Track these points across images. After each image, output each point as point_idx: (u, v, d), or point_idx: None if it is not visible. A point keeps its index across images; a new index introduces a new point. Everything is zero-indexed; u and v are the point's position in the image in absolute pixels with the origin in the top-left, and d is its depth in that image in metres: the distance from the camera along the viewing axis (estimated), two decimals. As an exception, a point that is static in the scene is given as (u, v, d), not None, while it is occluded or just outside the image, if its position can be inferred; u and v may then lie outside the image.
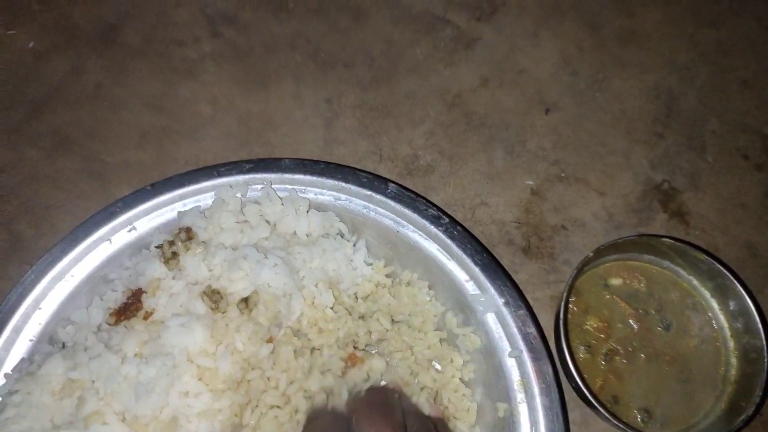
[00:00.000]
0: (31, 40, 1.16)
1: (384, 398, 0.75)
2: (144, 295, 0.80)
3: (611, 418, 0.80)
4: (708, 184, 1.11)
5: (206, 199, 0.92)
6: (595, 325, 0.91)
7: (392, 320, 0.90)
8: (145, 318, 0.78)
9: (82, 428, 0.69)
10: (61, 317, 0.84)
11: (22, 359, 0.80)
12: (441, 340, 0.90)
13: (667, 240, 0.91)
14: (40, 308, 0.83)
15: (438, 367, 0.89)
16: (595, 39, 1.22)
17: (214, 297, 0.78)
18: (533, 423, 0.80)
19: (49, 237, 0.97)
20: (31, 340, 0.82)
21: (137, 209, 0.90)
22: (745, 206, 1.10)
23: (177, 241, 0.82)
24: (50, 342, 0.83)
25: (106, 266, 0.88)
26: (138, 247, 0.89)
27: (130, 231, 0.89)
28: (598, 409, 0.82)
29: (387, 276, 0.93)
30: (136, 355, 0.73)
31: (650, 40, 1.22)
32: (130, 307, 0.78)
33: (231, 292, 0.80)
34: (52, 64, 1.13)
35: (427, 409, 0.82)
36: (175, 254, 0.81)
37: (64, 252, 0.86)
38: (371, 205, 0.92)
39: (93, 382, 0.72)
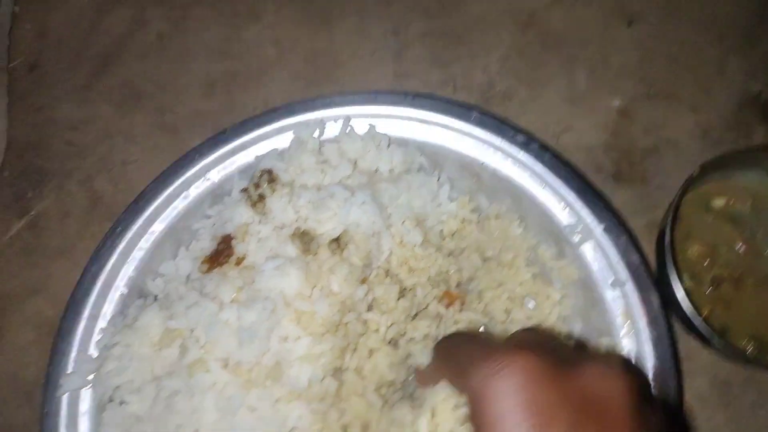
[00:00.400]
0: (89, -7, 1.13)
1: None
2: (233, 241, 0.78)
3: (723, 349, 0.76)
4: (811, 91, 1.02)
5: (282, 141, 0.88)
6: (698, 252, 0.85)
7: (482, 257, 0.86)
8: (238, 264, 0.77)
9: (186, 377, 0.69)
10: (148, 270, 0.84)
11: (116, 313, 0.80)
12: (534, 276, 0.86)
13: (777, 153, 0.83)
14: (128, 262, 0.83)
15: (531, 305, 0.85)
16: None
17: (304, 239, 0.76)
18: (639, 357, 0.75)
19: (127, 193, 0.96)
20: (122, 294, 0.81)
21: (212, 156, 0.87)
22: None
23: (262, 184, 0.80)
24: (141, 295, 0.83)
25: (188, 217, 0.86)
26: (218, 194, 0.87)
27: (205, 180, 0.87)
28: (708, 340, 0.77)
29: (472, 211, 0.89)
30: (232, 301, 0.72)
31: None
32: (222, 254, 0.76)
33: (320, 233, 0.78)
34: (113, 17, 1.11)
35: None
36: (261, 197, 0.79)
37: (146, 205, 0.85)
38: (454, 133, 0.87)
39: (192, 330, 0.71)
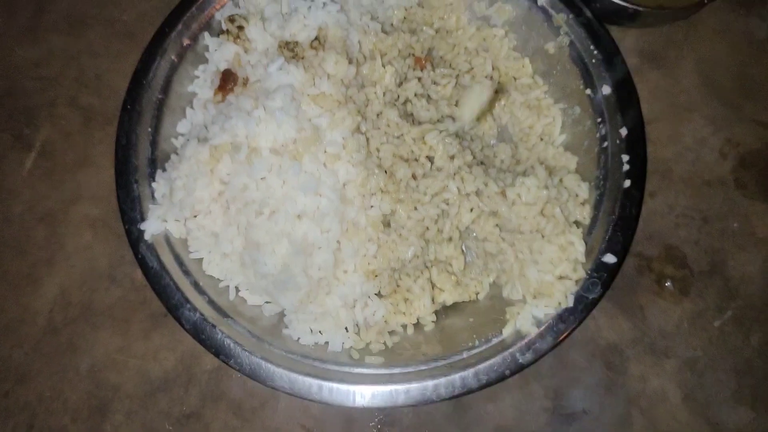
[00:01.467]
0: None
1: None
2: (232, 71, 0.90)
3: (642, 7, 0.95)
4: None
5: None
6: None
7: (433, 28, 1.02)
8: (245, 84, 0.89)
9: (247, 169, 0.82)
10: (168, 136, 0.95)
11: (159, 171, 0.92)
12: (478, 28, 1.02)
13: None
14: (148, 132, 0.94)
15: (486, 54, 1.02)
16: None
17: (289, 46, 0.88)
18: (581, 42, 0.94)
19: (113, 97, 1.05)
20: (155, 156, 0.93)
21: (180, 25, 0.97)
22: None
23: (236, 18, 0.91)
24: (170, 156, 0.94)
25: (178, 83, 0.97)
26: (196, 58, 0.98)
27: (182, 47, 0.97)
28: (625, 8, 0.96)
29: (410, -3, 1.04)
30: (254, 108, 0.85)
31: None
32: (228, 80, 0.88)
33: (300, 41, 0.91)
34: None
35: None
36: (240, 28, 0.91)
37: (141, 81, 0.95)
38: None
39: (233, 140, 0.84)
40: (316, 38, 0.90)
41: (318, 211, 0.83)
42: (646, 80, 1.04)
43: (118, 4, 1.13)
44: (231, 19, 0.91)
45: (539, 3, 0.97)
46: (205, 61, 0.98)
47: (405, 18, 1.03)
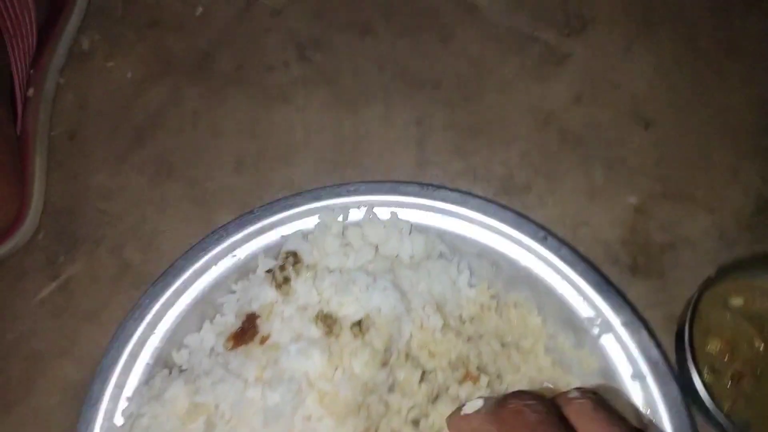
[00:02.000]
0: (129, 70, 1.20)
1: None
2: (258, 320, 0.80)
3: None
4: (825, 198, 1.05)
5: (307, 224, 0.92)
6: (718, 348, 0.86)
7: (501, 343, 0.87)
8: (262, 342, 0.78)
9: (210, 449, 0.69)
10: (174, 342, 0.86)
11: (141, 383, 0.81)
12: (553, 363, 0.87)
13: (793, 256, 0.86)
14: (154, 333, 0.85)
15: (551, 386, 0.86)
16: (692, 52, 1.18)
17: (327, 321, 0.78)
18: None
19: (155, 262, 0.99)
20: (148, 364, 0.83)
21: (239, 235, 0.91)
22: None
23: (287, 266, 0.82)
24: (165, 366, 0.84)
25: (213, 291, 0.89)
26: (243, 271, 0.90)
27: (231, 257, 0.90)
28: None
29: (491, 297, 0.91)
30: (256, 379, 0.73)
31: (752, 52, 1.17)
32: (247, 332, 0.78)
33: (342, 315, 0.80)
34: (150, 94, 1.17)
35: None
36: (287, 279, 0.81)
37: (174, 278, 0.88)
38: (473, 226, 0.91)
39: (217, 406, 0.72)
40: (359, 322, 0.78)
41: None
42: None
43: (207, 168, 1.08)
44: (282, 267, 0.82)
45: (631, 376, 0.81)
46: (247, 277, 0.89)
47: (474, 318, 0.90)
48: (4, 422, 0.90)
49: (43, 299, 0.98)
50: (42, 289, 0.99)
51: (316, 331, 0.77)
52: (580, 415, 0.52)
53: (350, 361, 0.75)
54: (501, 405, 0.55)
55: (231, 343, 0.79)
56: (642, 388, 0.79)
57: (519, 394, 0.57)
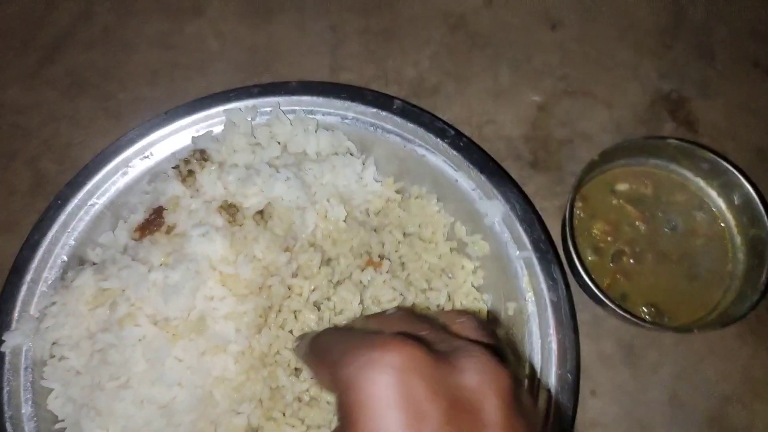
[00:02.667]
0: (40, -13, 1.18)
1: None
2: (165, 212, 0.83)
3: (619, 310, 0.83)
4: (717, 92, 1.11)
5: (218, 125, 0.94)
6: (602, 229, 0.93)
7: (404, 233, 0.93)
8: (168, 232, 0.82)
9: (117, 331, 0.74)
10: (89, 241, 0.89)
11: (56, 278, 0.85)
12: (451, 250, 0.93)
13: (673, 141, 0.92)
14: (67, 233, 0.88)
15: (450, 275, 0.92)
16: (599, -47, 1.21)
17: (230, 210, 0.81)
18: (542, 318, 0.83)
19: (70, 172, 0.98)
20: (62, 261, 0.86)
21: (152, 136, 0.93)
22: (754, 112, 1.10)
23: (192, 161, 0.85)
24: (80, 263, 0.87)
25: (127, 192, 0.92)
26: (155, 173, 0.92)
27: (144, 158, 0.92)
28: (606, 305, 0.84)
29: (397, 192, 0.95)
30: (161, 264, 0.77)
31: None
32: (153, 223, 0.82)
33: (246, 206, 0.84)
34: (60, 9, 1.16)
35: None
36: (191, 172, 0.84)
37: (86, 180, 0.90)
38: (378, 122, 0.94)
39: (123, 290, 0.76)
40: (261, 211, 0.82)
41: (172, 402, 0.73)
42: (612, 375, 0.91)
43: (121, 81, 1.09)
44: (186, 160, 0.85)
45: (516, 256, 0.87)
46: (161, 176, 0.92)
47: (380, 211, 0.95)
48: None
49: (-41, 213, 1.00)
50: (-42, 203, 1.01)
51: (220, 220, 0.81)
52: (469, 328, 0.51)
53: (252, 246, 0.79)
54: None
55: (138, 234, 0.82)
56: (527, 266, 0.85)
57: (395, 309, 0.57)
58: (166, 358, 0.72)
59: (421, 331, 0.46)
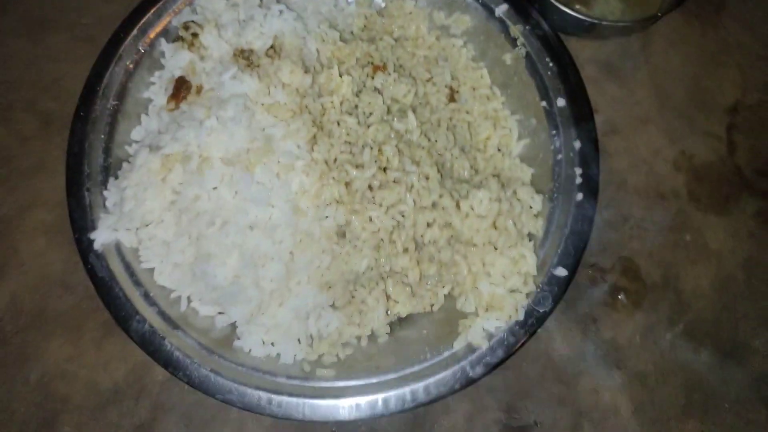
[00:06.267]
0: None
1: None
2: (185, 77, 0.90)
3: (597, 20, 0.95)
4: None
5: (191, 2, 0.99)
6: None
7: (392, 37, 1.01)
8: (198, 92, 0.88)
9: (198, 179, 0.81)
10: (122, 142, 0.94)
11: (111, 179, 0.91)
12: (437, 37, 1.02)
13: None
14: (101, 139, 0.93)
15: (445, 59, 1.02)
16: None
17: (244, 55, 0.88)
18: (536, 54, 0.94)
19: (72, 102, 1.02)
20: (108, 163, 0.92)
21: (136, 30, 0.97)
22: None
23: (189, 24, 0.91)
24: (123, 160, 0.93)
25: (134, 89, 0.96)
26: (152, 63, 0.97)
27: (138, 53, 0.96)
28: (583, 20, 0.97)
29: (369, 6, 1.04)
30: (206, 117, 0.84)
31: None
32: (181, 88, 0.88)
33: (255, 49, 0.90)
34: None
35: None
36: (195, 35, 0.90)
37: (95, 88, 0.94)
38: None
39: (184, 150, 0.83)
40: (272, 47, 0.89)
41: (270, 222, 0.82)
42: (602, 92, 1.05)
43: (78, 9, 1.12)
44: (186, 26, 0.90)
45: (497, 14, 0.97)
46: (162, 67, 0.97)
47: (365, 27, 1.03)
48: (5, 282, 0.97)
49: (-19, 175, 1.03)
50: (-22, 166, 1.04)
51: (239, 66, 0.88)
52: None
53: (277, 76, 0.87)
54: None
55: (172, 103, 0.88)
56: (508, 18, 0.96)
57: None
58: (251, 186, 0.81)
59: None
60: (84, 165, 0.90)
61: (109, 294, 0.85)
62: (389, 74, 0.96)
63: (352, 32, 1.02)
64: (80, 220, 0.88)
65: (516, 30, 0.95)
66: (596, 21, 0.95)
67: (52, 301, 0.97)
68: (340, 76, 0.92)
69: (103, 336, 0.95)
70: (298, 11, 0.94)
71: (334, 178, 0.86)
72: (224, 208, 0.81)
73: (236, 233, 0.81)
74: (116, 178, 0.91)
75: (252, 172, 0.82)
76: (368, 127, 0.90)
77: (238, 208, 0.81)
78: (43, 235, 0.99)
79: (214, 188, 0.82)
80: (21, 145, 1.04)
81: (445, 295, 0.92)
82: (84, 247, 0.87)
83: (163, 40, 0.96)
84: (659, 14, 0.94)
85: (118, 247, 0.88)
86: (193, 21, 0.93)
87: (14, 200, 1.01)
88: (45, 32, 1.10)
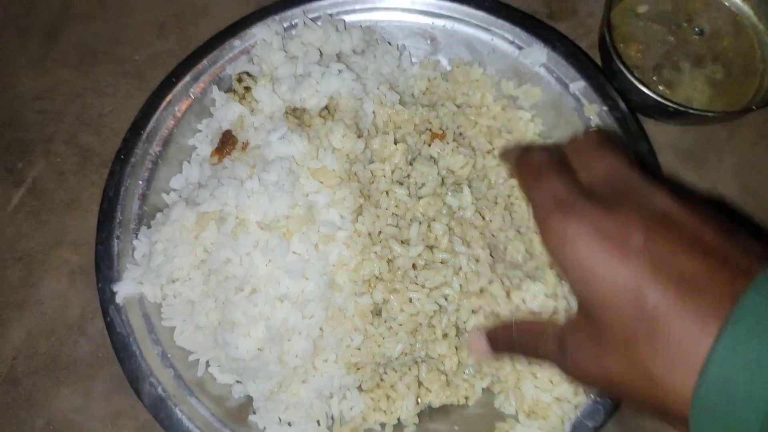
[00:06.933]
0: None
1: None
2: (233, 132, 0.85)
3: (680, 107, 0.87)
4: None
5: (249, 50, 0.95)
6: (637, 50, 0.97)
7: (455, 104, 0.95)
8: (244, 149, 0.83)
9: (231, 243, 0.75)
10: (161, 189, 0.90)
11: (143, 227, 0.86)
12: (504, 108, 0.96)
13: (681, -49, 0.95)
14: (139, 185, 0.88)
15: (509, 131, 0.95)
16: None
17: (296, 113, 0.83)
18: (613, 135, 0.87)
19: (113, 139, 1.01)
20: (144, 210, 0.87)
21: (189, 76, 0.93)
22: None
23: (243, 77, 0.86)
24: (159, 210, 0.89)
25: (180, 135, 0.92)
26: (202, 109, 0.94)
27: (188, 99, 0.93)
28: (664, 111, 0.89)
29: (434, 69, 0.98)
30: (249, 176, 0.79)
31: None
32: (227, 143, 0.83)
33: (309, 107, 0.85)
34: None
35: None
36: (247, 89, 0.85)
37: (139, 132, 0.90)
38: (399, 5, 0.97)
39: (221, 209, 0.78)
40: (326, 107, 0.84)
41: (302, 296, 0.76)
42: (680, 182, 0.96)
43: (132, 43, 1.09)
44: (239, 78, 0.86)
45: (571, 90, 0.90)
46: (210, 115, 0.92)
47: (427, 90, 0.97)
48: (23, 319, 0.93)
49: (17, 206, 1.00)
50: (11, 197, 1.00)
51: (289, 126, 0.83)
52: (579, 153, 0.58)
53: (328, 139, 0.81)
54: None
55: (216, 158, 0.84)
56: (583, 96, 0.89)
57: (528, 147, 0.65)
58: (286, 255, 0.75)
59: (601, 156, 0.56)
60: (117, 211, 0.85)
61: (126, 351, 0.80)
62: (447, 143, 0.90)
63: (413, 94, 0.96)
64: (106, 269, 0.83)
65: (591, 109, 0.88)
66: (680, 108, 0.87)
67: (67, 347, 0.92)
68: (395, 143, 0.86)
69: (115, 389, 0.89)
70: (359, 71, 0.89)
71: (376, 253, 0.79)
72: (255, 275, 0.75)
73: (265, 303, 0.75)
74: (148, 227, 0.86)
75: (289, 241, 0.75)
76: (419, 199, 0.84)
77: (270, 277, 0.75)
78: (67, 275, 0.95)
79: (247, 254, 0.76)
80: (57, 179, 1.01)
81: (483, 389, 0.83)
82: (106, 297, 0.82)
83: (215, 88, 0.92)
84: (753, 107, 0.86)
85: (141, 301, 0.83)
86: (247, 72, 0.88)
87: (42, 235, 0.97)
88: (95, 64, 1.08)
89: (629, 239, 0.45)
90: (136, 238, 0.85)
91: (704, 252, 0.44)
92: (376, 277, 0.80)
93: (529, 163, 0.59)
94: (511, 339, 0.66)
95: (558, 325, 0.58)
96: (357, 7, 0.97)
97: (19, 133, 1.04)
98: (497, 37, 0.94)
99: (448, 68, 0.99)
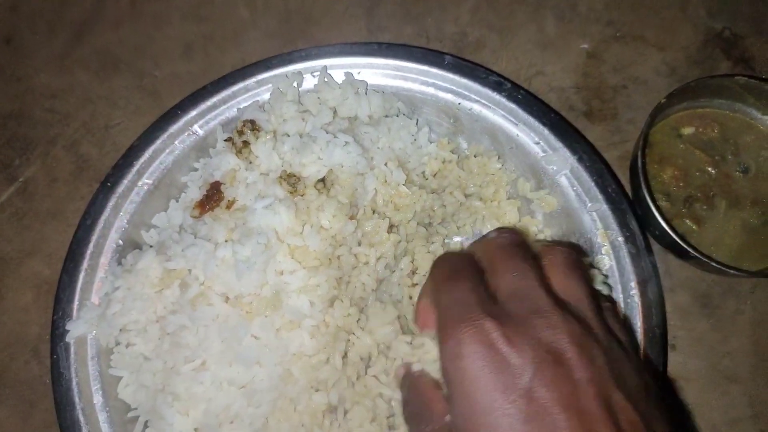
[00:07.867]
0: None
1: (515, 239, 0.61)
2: (222, 187, 0.80)
3: (701, 257, 0.79)
4: (771, 27, 1.06)
5: (263, 94, 0.91)
6: (672, 175, 0.89)
7: (464, 194, 0.89)
8: (228, 207, 0.79)
9: (190, 312, 0.71)
10: (141, 223, 0.86)
11: (113, 263, 0.82)
12: (516, 208, 0.89)
13: (741, 78, 0.87)
14: (119, 216, 0.85)
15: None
16: None
17: (290, 180, 0.78)
18: (621, 271, 0.80)
19: (112, 155, 0.98)
20: (117, 245, 0.83)
21: (195, 112, 0.89)
22: (812, 46, 1.05)
23: (245, 130, 0.82)
24: (135, 247, 0.85)
25: (174, 171, 0.89)
26: (202, 147, 0.90)
27: (190, 135, 0.89)
28: (684, 252, 0.81)
29: (452, 152, 0.92)
30: (226, 240, 0.74)
31: None
32: (212, 198, 0.78)
33: (306, 175, 0.80)
34: (85, -13, 1.11)
35: None
36: (246, 143, 0.81)
37: (133, 161, 0.87)
38: (429, 80, 0.90)
39: (190, 270, 0.74)
40: (323, 179, 0.79)
41: (252, 383, 0.71)
42: (690, 327, 0.88)
43: (155, 58, 1.05)
44: (240, 131, 0.81)
45: (588, 209, 0.83)
46: (209, 156, 0.88)
47: (438, 172, 0.91)
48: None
49: (3, 204, 0.97)
50: (0, 194, 0.98)
51: (281, 192, 0.78)
52: (490, 256, 0.58)
53: (317, 216, 0.76)
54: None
55: (197, 211, 0.79)
56: (600, 219, 0.82)
57: (499, 228, 0.63)
58: (244, 337, 0.70)
59: (510, 266, 0.55)
60: (90, 243, 0.82)
61: (65, 398, 0.77)
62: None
63: (423, 173, 0.90)
64: (66, 301, 0.80)
65: (606, 236, 0.81)
66: (701, 258, 0.79)
67: (16, 365, 0.88)
68: (389, 231, 0.80)
69: (53, 422, 0.85)
70: (369, 143, 0.84)
71: (340, 352, 0.73)
72: (208, 351, 0.70)
73: (211, 383, 0.70)
74: (119, 263, 0.82)
75: (250, 322, 0.70)
76: (410, 298, 0.78)
77: (222, 356, 0.70)
78: (33, 289, 0.92)
79: (205, 326, 0.71)
80: (48, 185, 0.98)
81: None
82: (58, 332, 0.78)
83: (219, 128, 0.88)
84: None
85: (94, 343, 0.79)
86: (252, 122, 0.84)
87: (21, 241, 0.95)
88: (114, 73, 1.05)
89: (517, 379, 0.46)
90: (103, 274, 0.81)
91: (578, 414, 0.44)
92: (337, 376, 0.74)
93: (443, 266, 0.59)
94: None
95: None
96: (387, 71, 0.91)
97: (24, 128, 1.02)
98: (523, 133, 0.87)
99: (467, 153, 0.92)
